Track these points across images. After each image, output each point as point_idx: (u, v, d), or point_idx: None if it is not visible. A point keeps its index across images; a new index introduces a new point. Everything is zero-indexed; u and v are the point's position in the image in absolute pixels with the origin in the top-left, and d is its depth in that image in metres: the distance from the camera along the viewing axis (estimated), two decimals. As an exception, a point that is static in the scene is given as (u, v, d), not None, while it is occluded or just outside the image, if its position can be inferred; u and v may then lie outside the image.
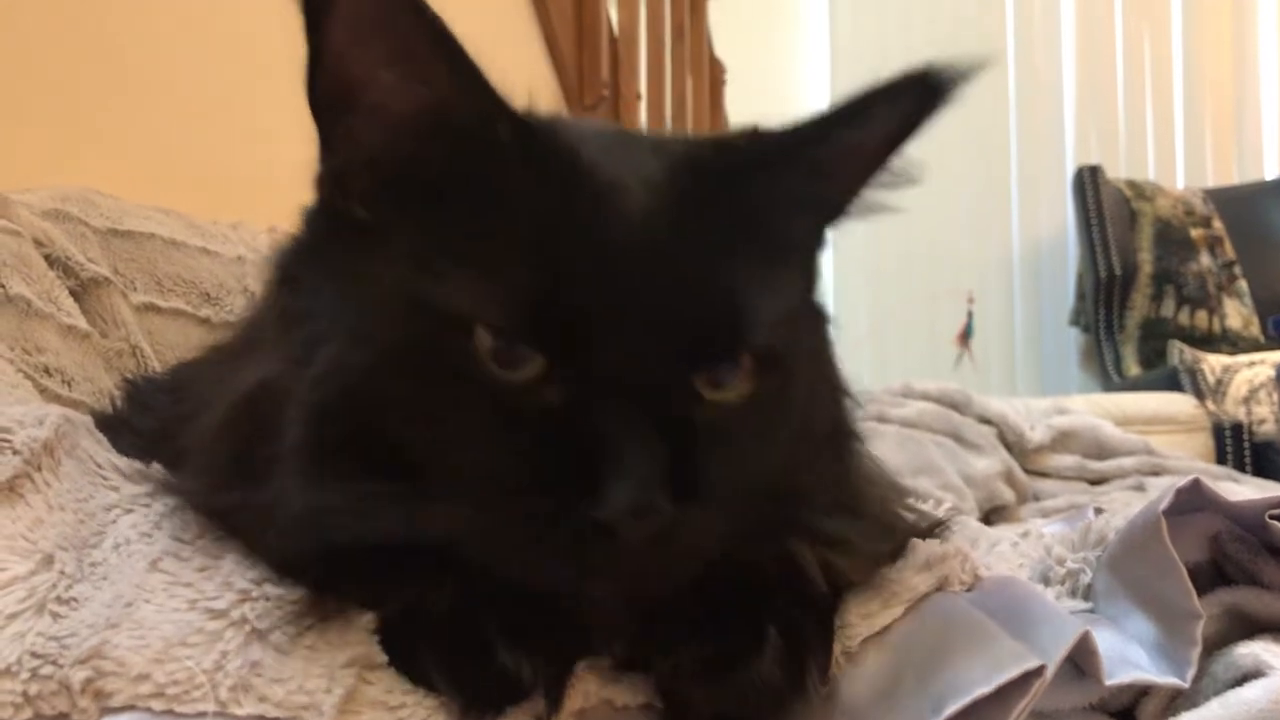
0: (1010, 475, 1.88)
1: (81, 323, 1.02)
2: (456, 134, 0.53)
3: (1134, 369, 3.80)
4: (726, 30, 3.67)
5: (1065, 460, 2.01)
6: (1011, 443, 1.99)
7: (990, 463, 1.89)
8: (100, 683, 0.49)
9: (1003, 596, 0.55)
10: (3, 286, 0.94)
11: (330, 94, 0.53)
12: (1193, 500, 0.57)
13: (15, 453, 0.57)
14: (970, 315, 4.05)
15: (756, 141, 0.57)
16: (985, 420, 2.00)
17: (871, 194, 0.60)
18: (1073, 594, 0.61)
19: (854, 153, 0.58)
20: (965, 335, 4.07)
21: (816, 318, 0.64)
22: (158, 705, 0.48)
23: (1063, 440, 2.06)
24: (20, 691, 0.48)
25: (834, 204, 0.61)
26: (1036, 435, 2.02)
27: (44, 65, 1.24)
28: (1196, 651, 0.53)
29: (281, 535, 0.53)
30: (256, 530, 0.54)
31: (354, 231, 0.54)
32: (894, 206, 0.60)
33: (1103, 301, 3.91)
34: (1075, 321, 4.16)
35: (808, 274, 0.63)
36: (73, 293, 1.04)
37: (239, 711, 0.49)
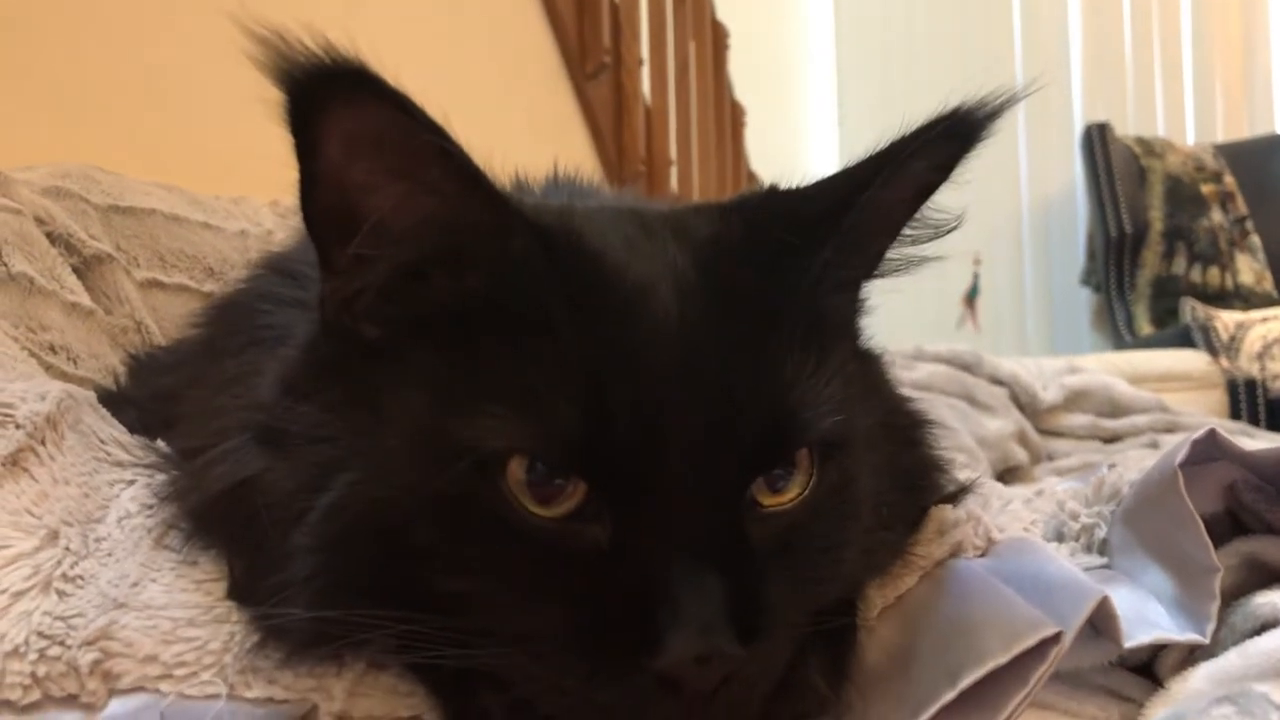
0: (1023, 436, 1.87)
1: (85, 299, 1.02)
2: (469, 252, 0.49)
3: (1146, 328, 3.77)
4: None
5: (1078, 419, 2.00)
6: (1024, 403, 1.98)
7: (1003, 424, 1.88)
8: (108, 664, 0.48)
9: (1019, 561, 0.54)
10: (5, 265, 0.93)
11: (329, 218, 0.49)
12: (1209, 451, 0.56)
13: (18, 427, 0.56)
14: (976, 277, 4.02)
15: (780, 218, 0.53)
16: (997, 381, 1.99)
17: (905, 249, 0.56)
18: (1088, 549, 0.60)
19: (886, 213, 0.54)
20: (970, 297, 4.03)
21: (869, 372, 0.60)
22: (166, 687, 0.48)
23: (1075, 399, 2.05)
24: (29, 673, 0.48)
25: (868, 269, 0.57)
26: (1049, 395, 2.01)
27: (46, 50, 1.23)
28: (1215, 606, 0.53)
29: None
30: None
31: (367, 353, 0.50)
32: (931, 257, 0.56)
33: (1113, 260, 3.88)
34: (1086, 281, 4.13)
35: (852, 346, 0.59)
36: (75, 270, 1.04)
37: (248, 694, 0.48)
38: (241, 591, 0.50)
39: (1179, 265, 3.84)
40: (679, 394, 0.47)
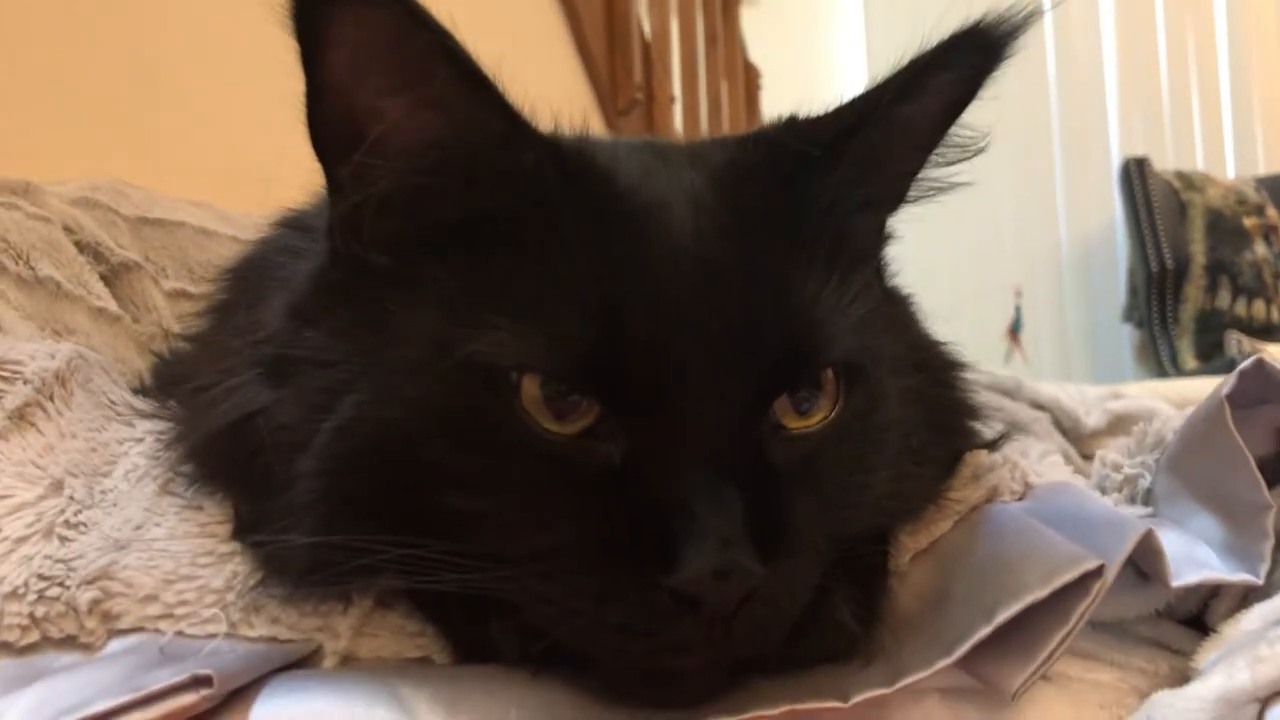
0: (1067, 460, 1.84)
1: (112, 306, 1.02)
2: (478, 165, 0.48)
3: (1191, 362, 3.71)
4: (761, 36, 3.65)
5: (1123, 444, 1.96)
6: (1067, 428, 1.93)
7: (1046, 448, 1.84)
8: (108, 604, 0.47)
9: (1057, 502, 0.52)
10: (32, 269, 0.93)
11: (334, 131, 0.48)
12: (1260, 389, 0.53)
13: (26, 382, 0.55)
14: (1018, 310, 3.98)
15: (800, 135, 0.52)
16: (1038, 406, 1.95)
17: (934, 172, 0.54)
18: (1131, 501, 0.58)
19: (910, 130, 0.52)
20: (1014, 330, 4.00)
21: (896, 307, 0.58)
22: (166, 626, 0.47)
23: (1119, 424, 2.00)
24: (27, 614, 0.47)
25: (894, 189, 0.55)
26: (1091, 420, 1.96)
27: (78, 67, 1.25)
28: (1269, 545, 0.50)
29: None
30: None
31: (376, 278, 0.49)
32: (961, 182, 0.54)
33: (1155, 295, 3.83)
34: (1128, 317, 4.08)
35: (877, 267, 0.58)
36: (103, 278, 1.04)
37: (250, 633, 0.47)
38: (245, 526, 0.49)
39: (1223, 299, 3.79)
40: (694, 308, 0.46)
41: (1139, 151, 4.06)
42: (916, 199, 0.56)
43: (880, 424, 0.51)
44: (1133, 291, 4.03)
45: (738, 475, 0.44)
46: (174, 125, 1.38)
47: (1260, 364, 0.52)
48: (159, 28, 1.38)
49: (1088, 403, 2.04)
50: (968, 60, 0.50)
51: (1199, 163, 4.29)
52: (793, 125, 0.53)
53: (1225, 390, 0.52)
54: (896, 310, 0.59)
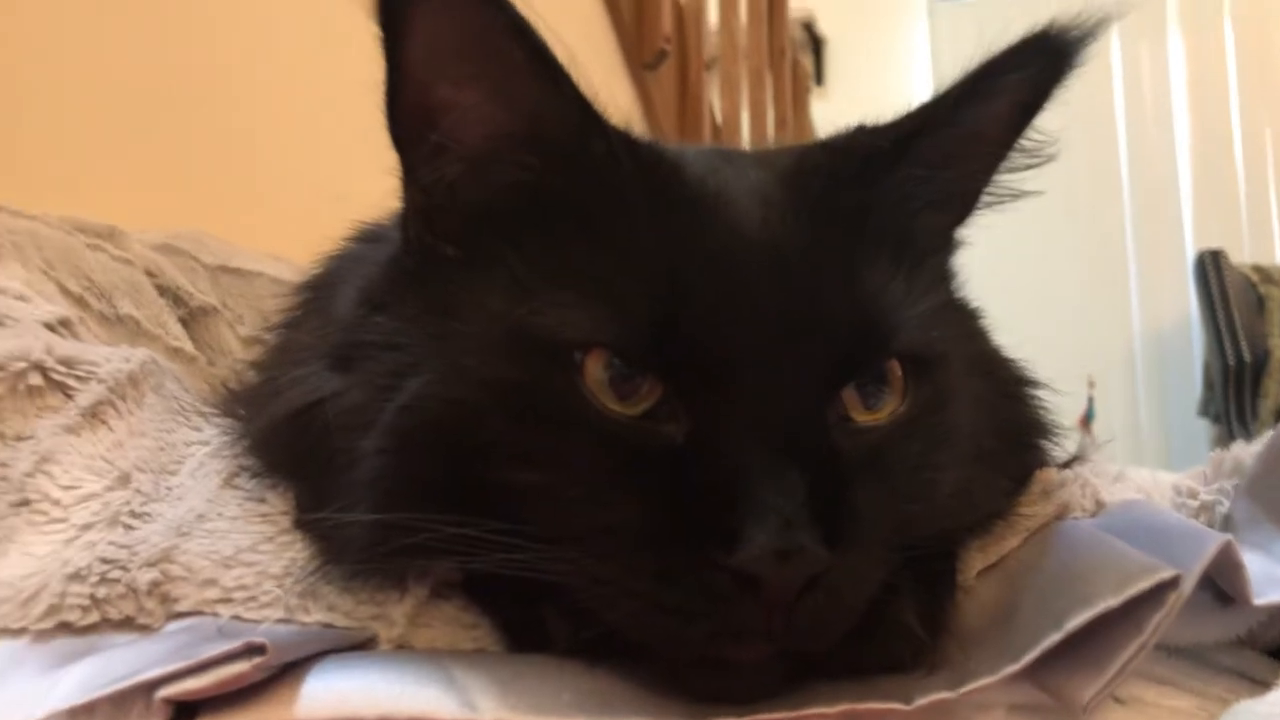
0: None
1: (188, 346, 1.04)
2: (550, 152, 0.49)
3: (1271, 459, 3.61)
4: (830, 121, 3.68)
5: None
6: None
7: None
8: (167, 586, 0.47)
9: (1130, 516, 0.50)
10: (114, 307, 0.96)
11: (411, 120, 0.49)
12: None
13: (100, 381, 0.57)
14: (1090, 400, 3.92)
15: (868, 138, 0.52)
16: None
17: (1003, 179, 0.54)
18: (1209, 528, 0.55)
19: (977, 135, 0.53)
20: (1087, 420, 3.93)
21: (964, 315, 0.58)
22: (224, 610, 0.47)
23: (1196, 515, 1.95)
24: (88, 595, 0.47)
25: (963, 195, 0.55)
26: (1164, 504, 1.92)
27: (165, 123, 1.30)
28: (1357, 568, 0.48)
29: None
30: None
31: (447, 264, 0.50)
32: (1030, 190, 0.54)
33: (1232, 390, 3.74)
34: (1204, 412, 3.98)
35: (944, 276, 0.57)
36: (182, 321, 1.07)
37: (306, 619, 0.46)
38: (306, 508, 0.49)
39: (1304, 394, 3.69)
40: (760, 292, 0.46)
41: (1214, 244, 4.00)
42: (988, 206, 0.56)
43: (948, 421, 0.50)
44: (1208, 385, 3.95)
45: (802, 460, 0.43)
46: (255, 183, 1.43)
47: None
48: (248, 95, 1.43)
49: (1160, 488, 1.99)
50: (1038, 62, 0.50)
51: (1277, 256, 4.22)
52: (861, 130, 0.54)
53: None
54: (965, 317, 0.58)
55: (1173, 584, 0.44)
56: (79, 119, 1.18)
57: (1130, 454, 4.17)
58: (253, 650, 0.42)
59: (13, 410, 0.55)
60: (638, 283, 0.46)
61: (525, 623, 0.46)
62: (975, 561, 0.51)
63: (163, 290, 1.06)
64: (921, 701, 0.42)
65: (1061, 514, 0.52)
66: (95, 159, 1.21)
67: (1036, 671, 0.45)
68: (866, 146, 0.51)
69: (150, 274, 1.06)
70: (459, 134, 0.49)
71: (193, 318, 1.08)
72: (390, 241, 0.55)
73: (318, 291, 0.61)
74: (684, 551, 0.42)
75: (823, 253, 0.48)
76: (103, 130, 1.21)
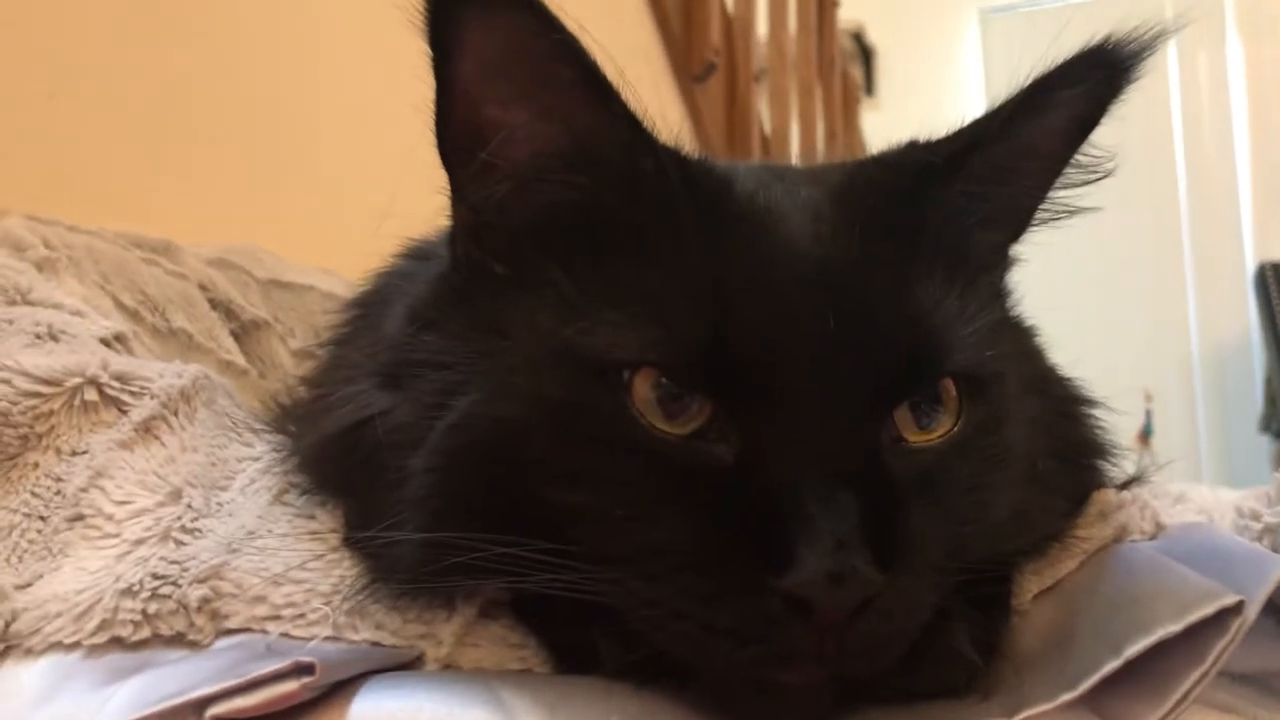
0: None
1: (240, 360, 1.05)
2: (599, 169, 0.48)
3: (1335, 475, 3.52)
4: (882, 132, 3.66)
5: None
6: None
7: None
8: (217, 603, 0.47)
9: (1191, 539, 0.49)
10: (167, 320, 0.97)
11: (460, 138, 0.49)
12: None
13: (153, 397, 0.57)
14: (1148, 414, 3.86)
15: (920, 153, 0.52)
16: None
17: (1059, 195, 0.53)
18: (1273, 552, 0.54)
19: (1032, 150, 0.52)
20: (1145, 434, 3.87)
21: (1019, 333, 0.57)
22: (273, 628, 0.47)
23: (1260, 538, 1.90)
24: (140, 610, 0.48)
25: (1017, 211, 0.55)
26: (1226, 525, 1.87)
27: (217, 141, 1.31)
28: None
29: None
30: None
31: (495, 282, 0.50)
32: (1088, 206, 0.53)
33: (1295, 405, 3.67)
34: (1266, 428, 3.90)
35: (998, 293, 0.56)
36: (234, 334, 1.08)
37: (354, 637, 0.46)
38: (354, 526, 0.49)
39: (1368, 409, 3.61)
40: (811, 309, 0.45)
41: (1274, 256, 3.93)
42: (1043, 222, 0.55)
43: (1003, 442, 0.49)
44: (1270, 401, 3.87)
45: (855, 481, 0.43)
46: (307, 199, 1.44)
47: None
48: (303, 113, 1.44)
49: (1221, 507, 1.95)
50: (1095, 76, 0.49)
51: (1339, 269, 4.13)
52: (914, 145, 0.53)
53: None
54: (1020, 335, 0.57)
55: (1236, 610, 0.43)
56: (137, 135, 1.20)
57: (1189, 471, 4.11)
58: (301, 670, 0.42)
59: (68, 425, 0.56)
60: (687, 301, 0.45)
61: (573, 644, 0.46)
62: (1030, 585, 0.50)
63: (215, 304, 1.07)
64: (976, 729, 0.42)
65: (1119, 536, 0.51)
66: (152, 174, 1.23)
67: (1094, 699, 0.43)
68: (919, 162, 0.50)
69: (203, 288, 1.07)
70: (508, 152, 0.48)
71: (245, 331, 1.09)
72: (439, 259, 0.55)
73: (367, 308, 0.61)
74: (734, 573, 0.41)
75: (875, 270, 0.47)
76: (159, 146, 1.23)
